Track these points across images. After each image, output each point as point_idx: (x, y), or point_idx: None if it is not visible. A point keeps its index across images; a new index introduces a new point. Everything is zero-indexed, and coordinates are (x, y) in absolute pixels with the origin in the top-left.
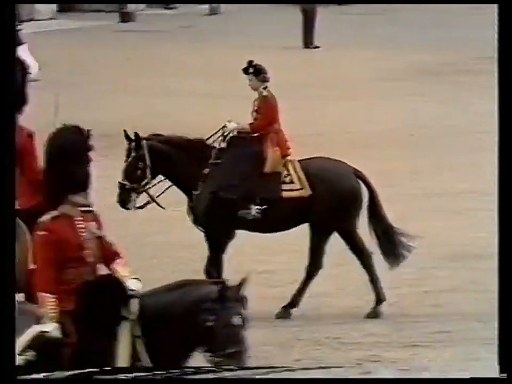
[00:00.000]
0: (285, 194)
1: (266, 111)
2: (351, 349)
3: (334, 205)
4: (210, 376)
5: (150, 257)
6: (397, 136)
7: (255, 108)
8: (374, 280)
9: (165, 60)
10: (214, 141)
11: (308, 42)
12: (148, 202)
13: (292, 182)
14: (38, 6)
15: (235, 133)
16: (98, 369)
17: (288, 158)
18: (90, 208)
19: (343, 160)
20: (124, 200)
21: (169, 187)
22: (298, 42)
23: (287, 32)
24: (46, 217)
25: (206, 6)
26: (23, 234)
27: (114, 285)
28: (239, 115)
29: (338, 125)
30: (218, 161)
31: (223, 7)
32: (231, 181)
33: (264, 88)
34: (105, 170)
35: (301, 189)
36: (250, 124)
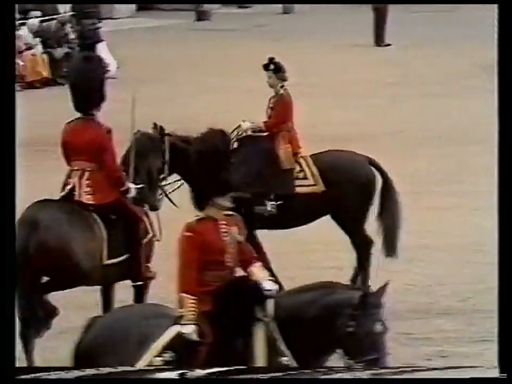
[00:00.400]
0: (298, 190)
1: (281, 109)
2: (421, 345)
3: (353, 194)
4: (346, 375)
5: None
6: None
7: (270, 105)
8: (366, 269)
9: (238, 58)
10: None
11: (379, 40)
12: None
13: (305, 177)
14: (118, 5)
15: (249, 132)
16: (235, 368)
17: (300, 154)
18: (233, 213)
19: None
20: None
21: (180, 186)
22: (370, 40)
23: (359, 30)
24: (192, 219)
25: (280, 6)
26: (98, 230)
27: (250, 286)
28: (312, 112)
29: (415, 122)
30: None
31: (296, 6)
32: (245, 179)
33: (282, 87)
34: None
35: (315, 184)
36: (265, 122)
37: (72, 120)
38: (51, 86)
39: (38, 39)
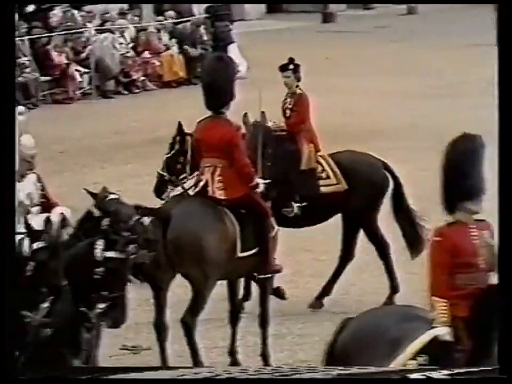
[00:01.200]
0: (323, 189)
1: (301, 108)
2: None
3: (368, 197)
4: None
5: None
6: None
7: (289, 105)
8: (390, 271)
9: (360, 59)
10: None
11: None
12: None
13: (328, 177)
14: (248, 7)
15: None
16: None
17: (320, 153)
18: (483, 218)
19: None
20: (160, 191)
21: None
22: (492, 39)
23: (481, 30)
24: (442, 224)
25: (404, 6)
26: (231, 224)
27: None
28: (434, 114)
29: None
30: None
31: (420, 7)
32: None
33: (297, 87)
34: None
35: (338, 183)
36: (286, 121)
37: (204, 119)
38: (186, 85)
39: (174, 40)
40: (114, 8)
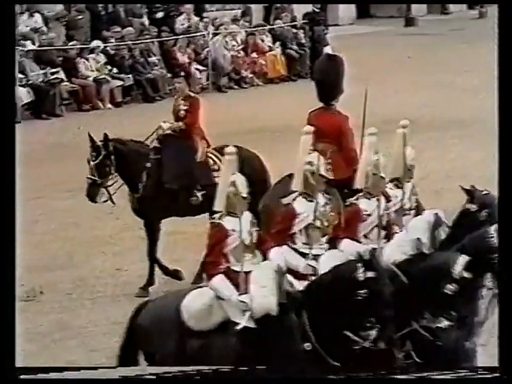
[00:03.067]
0: (216, 179)
1: (195, 109)
2: None
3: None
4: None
5: None
6: None
7: (183, 107)
8: None
9: (437, 58)
10: (151, 141)
11: None
12: (111, 197)
13: (219, 169)
14: (341, 13)
15: (169, 131)
16: None
17: (208, 149)
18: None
19: None
20: (93, 194)
21: (122, 185)
22: None
23: None
24: None
25: (476, 11)
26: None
27: None
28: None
29: None
30: (158, 156)
31: (489, 11)
32: (173, 173)
33: (190, 90)
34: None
35: None
36: (185, 121)
37: (316, 109)
38: (286, 82)
39: (277, 43)
40: (229, 15)
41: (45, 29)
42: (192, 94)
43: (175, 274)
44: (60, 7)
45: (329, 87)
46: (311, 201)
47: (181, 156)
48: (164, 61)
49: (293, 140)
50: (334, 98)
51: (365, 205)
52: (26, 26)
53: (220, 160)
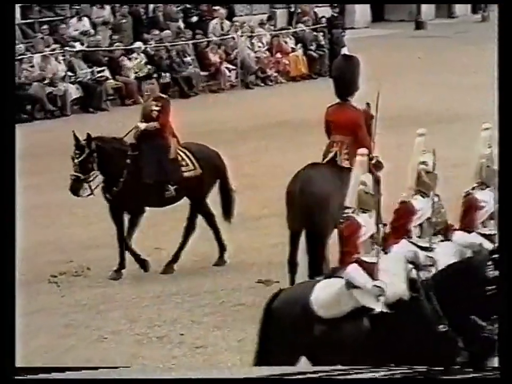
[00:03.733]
0: (185, 174)
1: (167, 109)
2: None
3: (213, 180)
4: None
5: None
6: None
7: (155, 107)
8: (218, 235)
9: (444, 59)
10: (129, 138)
11: None
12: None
13: (187, 164)
14: (357, 17)
15: (143, 130)
16: None
17: (178, 146)
18: None
19: None
20: (77, 189)
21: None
22: None
23: None
24: None
25: (479, 16)
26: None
27: None
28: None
29: None
30: (136, 153)
31: (491, 16)
32: (150, 169)
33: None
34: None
35: (194, 169)
36: (159, 120)
37: (333, 104)
38: (307, 80)
39: (299, 45)
40: (256, 20)
41: (92, 31)
42: (162, 95)
43: (142, 264)
44: (106, 12)
45: (345, 84)
46: (425, 197)
47: (156, 153)
48: (197, 61)
49: (313, 132)
50: (350, 94)
51: (480, 195)
52: (76, 30)
53: (187, 156)
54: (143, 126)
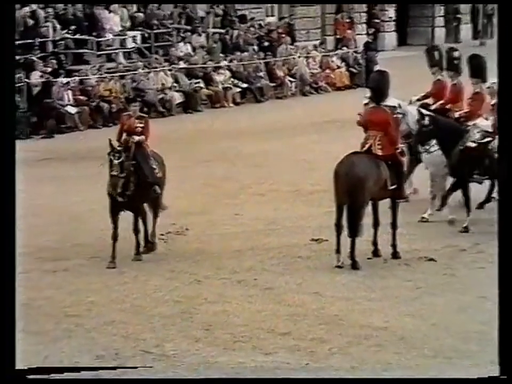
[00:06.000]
0: (158, 175)
1: (147, 127)
2: None
3: (165, 180)
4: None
5: None
6: None
7: (139, 124)
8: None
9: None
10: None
11: None
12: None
13: (155, 168)
14: (386, 42)
15: (136, 142)
16: None
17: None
18: None
19: None
20: (115, 185)
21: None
22: None
23: None
24: None
25: (477, 41)
26: (384, 169)
27: None
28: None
29: None
30: (136, 160)
31: (489, 42)
32: (147, 171)
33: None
34: None
35: (159, 172)
36: (145, 136)
37: (370, 107)
38: (349, 89)
39: (343, 63)
40: (311, 44)
41: (192, 53)
42: (143, 115)
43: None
44: (202, 38)
45: (379, 93)
46: None
47: (145, 160)
48: (267, 75)
49: (354, 128)
50: (382, 100)
51: None
52: (181, 52)
53: (157, 161)
54: (136, 139)
